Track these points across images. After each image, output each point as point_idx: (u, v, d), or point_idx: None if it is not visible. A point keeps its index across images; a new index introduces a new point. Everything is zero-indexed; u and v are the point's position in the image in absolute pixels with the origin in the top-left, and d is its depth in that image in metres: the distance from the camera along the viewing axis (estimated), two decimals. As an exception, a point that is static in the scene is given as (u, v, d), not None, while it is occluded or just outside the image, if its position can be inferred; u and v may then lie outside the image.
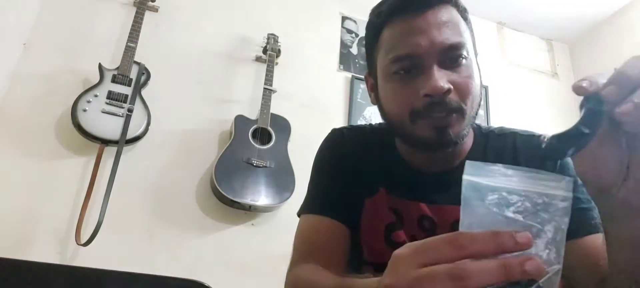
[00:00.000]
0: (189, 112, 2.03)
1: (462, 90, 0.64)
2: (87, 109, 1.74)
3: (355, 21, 2.58)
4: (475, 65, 0.68)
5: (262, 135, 1.97)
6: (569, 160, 0.73)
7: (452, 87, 0.63)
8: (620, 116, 0.34)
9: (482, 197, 0.34)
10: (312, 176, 0.82)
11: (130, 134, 1.77)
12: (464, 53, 0.65)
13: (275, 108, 2.05)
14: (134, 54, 1.91)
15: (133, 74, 1.88)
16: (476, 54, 0.71)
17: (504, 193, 0.34)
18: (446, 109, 0.63)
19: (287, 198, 1.85)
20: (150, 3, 2.10)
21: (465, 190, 0.35)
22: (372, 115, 2.30)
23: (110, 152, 1.77)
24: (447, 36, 0.64)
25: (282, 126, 2.04)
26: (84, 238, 1.61)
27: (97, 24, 2.04)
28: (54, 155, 1.76)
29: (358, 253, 0.74)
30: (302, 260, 0.70)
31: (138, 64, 1.92)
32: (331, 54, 2.44)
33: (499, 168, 0.35)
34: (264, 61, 2.18)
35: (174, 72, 2.08)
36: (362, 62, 2.48)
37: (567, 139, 0.35)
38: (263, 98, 2.04)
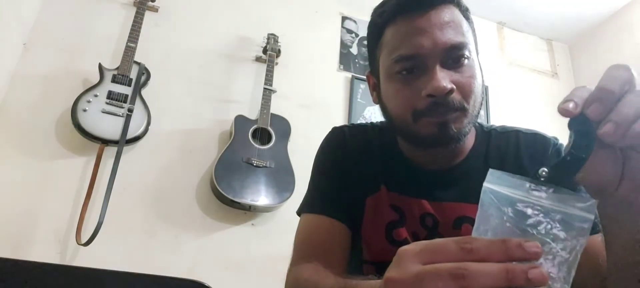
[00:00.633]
0: (189, 112, 2.03)
1: (465, 90, 0.65)
2: (87, 109, 1.74)
3: (355, 21, 2.58)
4: (477, 65, 0.68)
5: (262, 135, 1.97)
6: None
7: (454, 87, 0.63)
8: (602, 137, 0.34)
9: (500, 207, 0.34)
10: (312, 175, 0.81)
11: (130, 134, 1.77)
12: (466, 53, 0.65)
13: (275, 108, 2.05)
14: (134, 54, 1.91)
15: (133, 74, 1.88)
16: (478, 53, 0.71)
17: (522, 206, 0.33)
18: (449, 109, 0.63)
19: (287, 198, 1.85)
20: (150, 3, 2.10)
21: (484, 196, 0.35)
22: (372, 115, 2.30)
23: (110, 152, 1.77)
24: (449, 36, 0.64)
25: (282, 126, 2.04)
26: (84, 238, 1.61)
27: (97, 24, 2.04)
28: (54, 155, 1.76)
29: (358, 253, 0.74)
30: (302, 260, 0.69)
31: (138, 64, 1.92)
32: (331, 54, 2.44)
33: (522, 181, 0.35)
34: (264, 61, 2.18)
35: (174, 72, 2.08)
36: (362, 62, 2.48)
37: (565, 168, 0.35)
38: (263, 98, 2.04)
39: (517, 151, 0.73)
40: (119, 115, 1.78)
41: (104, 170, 1.74)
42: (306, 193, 0.81)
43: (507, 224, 0.33)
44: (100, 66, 1.86)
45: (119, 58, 1.89)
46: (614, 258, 0.47)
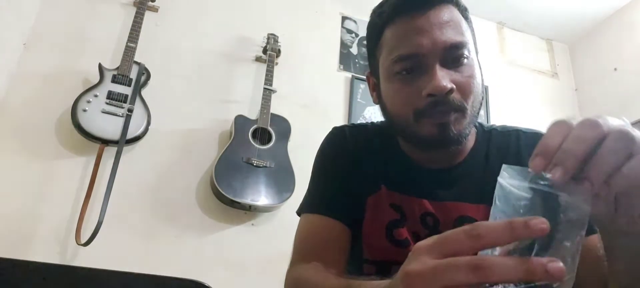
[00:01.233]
0: (189, 112, 2.03)
1: (464, 90, 0.65)
2: (87, 109, 1.74)
3: (355, 21, 2.58)
4: (476, 65, 0.69)
5: (262, 135, 1.97)
6: None
7: (454, 86, 0.63)
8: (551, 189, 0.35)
9: (510, 200, 0.35)
10: (312, 174, 0.81)
11: (130, 134, 1.77)
12: (466, 52, 0.66)
13: (275, 108, 2.05)
14: (134, 54, 1.91)
15: (133, 74, 1.88)
16: (477, 53, 0.71)
17: (529, 197, 0.35)
18: (449, 108, 0.63)
19: (287, 198, 1.85)
20: (150, 3, 2.10)
21: (497, 191, 0.36)
22: (372, 115, 2.30)
23: (110, 152, 1.77)
24: (449, 36, 0.64)
25: (282, 126, 2.04)
26: (84, 238, 1.61)
27: (97, 24, 2.04)
28: (54, 155, 1.76)
29: (358, 252, 0.74)
30: (302, 260, 0.69)
31: (138, 64, 1.92)
32: (331, 54, 2.44)
33: (532, 174, 0.36)
34: (264, 61, 2.18)
35: (174, 72, 2.08)
36: (362, 62, 2.48)
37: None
38: (263, 98, 2.04)
39: (518, 151, 0.73)
40: (119, 115, 1.78)
41: (104, 170, 1.74)
42: (306, 193, 0.81)
43: (518, 215, 0.34)
44: (100, 66, 1.86)
45: (119, 58, 1.89)
46: (617, 278, 0.49)
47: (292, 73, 2.27)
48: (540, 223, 0.30)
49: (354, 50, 2.50)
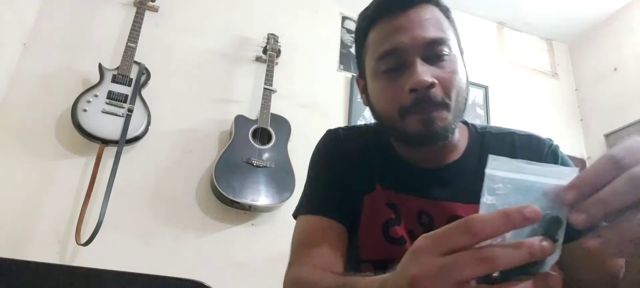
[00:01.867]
0: (189, 112, 2.03)
1: (446, 84, 0.66)
2: (87, 109, 1.74)
3: (355, 21, 2.58)
4: (460, 61, 0.70)
5: (262, 135, 1.97)
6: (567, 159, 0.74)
7: (436, 81, 0.65)
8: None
9: (495, 187, 0.36)
10: (308, 177, 0.82)
11: (130, 134, 1.77)
12: (446, 49, 0.67)
13: (275, 108, 2.05)
14: (134, 54, 1.91)
15: (133, 74, 1.88)
16: (462, 52, 0.73)
17: (511, 181, 0.36)
18: (431, 104, 0.65)
19: (287, 198, 1.85)
20: (150, 3, 2.10)
21: (485, 182, 0.37)
22: (371, 116, 2.30)
23: (110, 152, 1.77)
24: (429, 32, 0.67)
25: (282, 126, 2.04)
26: (84, 238, 1.61)
27: (97, 24, 2.04)
28: (54, 155, 1.76)
29: (355, 253, 0.74)
30: (300, 261, 0.69)
31: (138, 64, 1.92)
32: (331, 54, 2.44)
33: (519, 162, 0.37)
34: (264, 61, 2.18)
35: (174, 72, 2.08)
36: (362, 62, 2.48)
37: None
38: (263, 98, 2.04)
39: (512, 153, 0.74)
40: (119, 115, 1.78)
41: (104, 170, 1.74)
42: (302, 196, 0.81)
43: (503, 202, 0.35)
44: (100, 66, 1.86)
45: (119, 58, 1.89)
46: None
47: (292, 73, 2.27)
48: (532, 210, 0.31)
49: (354, 50, 2.50)
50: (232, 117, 1.98)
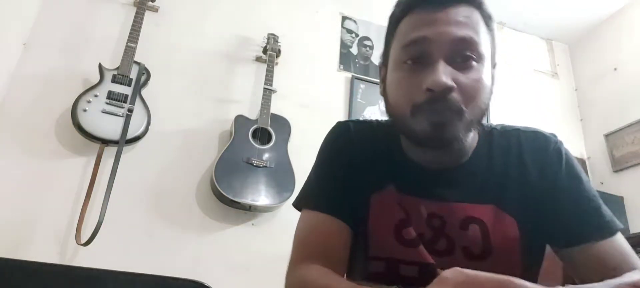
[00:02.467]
0: (189, 112, 2.03)
1: (466, 92, 0.62)
2: (87, 109, 1.74)
3: (355, 21, 2.58)
4: (488, 72, 0.66)
5: (262, 135, 1.97)
6: (579, 169, 0.72)
7: (455, 85, 0.61)
8: None
9: None
10: (315, 167, 0.79)
11: (130, 134, 1.77)
12: (476, 54, 0.64)
13: (275, 108, 2.05)
14: (134, 54, 1.91)
15: (133, 74, 1.88)
16: (494, 65, 0.69)
17: None
18: (445, 108, 0.61)
19: (287, 198, 1.85)
20: (150, 3, 2.10)
21: None
22: (371, 116, 2.30)
23: (110, 152, 1.77)
24: (459, 29, 0.63)
25: (282, 126, 2.04)
26: (84, 238, 1.61)
27: (97, 24, 2.04)
28: (54, 155, 1.76)
29: (361, 250, 0.73)
30: (304, 259, 0.68)
31: (138, 64, 1.92)
32: (331, 54, 2.44)
33: None
34: (264, 61, 2.18)
35: (174, 72, 2.08)
36: (362, 62, 2.48)
37: None
38: (263, 98, 2.04)
39: (520, 150, 0.72)
40: (119, 115, 1.78)
41: (104, 170, 1.74)
42: (307, 185, 0.79)
43: None
44: (100, 66, 1.86)
45: (119, 58, 1.89)
46: None
47: (292, 73, 2.27)
48: None
49: (354, 50, 2.50)
50: (232, 117, 1.98)
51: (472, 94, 0.63)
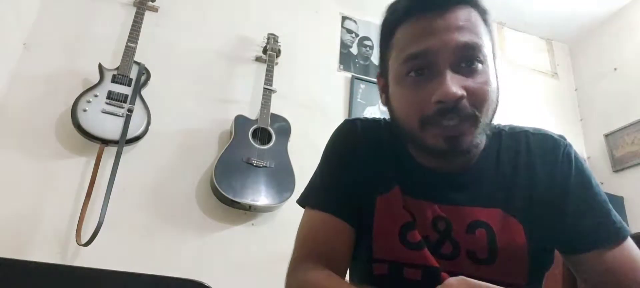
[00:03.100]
0: (189, 112, 2.03)
1: (477, 97, 0.61)
2: (87, 109, 1.74)
3: (355, 21, 2.58)
4: (492, 71, 0.65)
5: (262, 135, 1.97)
6: (589, 173, 0.71)
7: (465, 93, 0.60)
8: None
9: None
10: (321, 165, 0.78)
11: (130, 134, 1.77)
12: (480, 56, 0.62)
13: (275, 108, 2.05)
14: (134, 54, 1.91)
15: (133, 74, 1.88)
16: (495, 57, 0.68)
17: None
18: (458, 116, 0.60)
19: (287, 198, 1.85)
20: (150, 3, 2.10)
21: None
22: (371, 116, 2.30)
23: (110, 152, 1.77)
24: (462, 36, 0.61)
25: (282, 126, 2.04)
26: (84, 238, 1.61)
27: (97, 24, 2.04)
28: (54, 155, 1.76)
29: (366, 252, 0.71)
30: (306, 259, 0.68)
31: (138, 64, 1.92)
32: (331, 54, 2.44)
33: None
34: (264, 61, 2.18)
35: (174, 72, 2.08)
36: (362, 62, 2.48)
37: None
38: (263, 98, 2.04)
39: (529, 153, 0.70)
40: (119, 115, 1.78)
41: (104, 170, 1.74)
42: (312, 183, 0.78)
43: None
44: (100, 66, 1.86)
45: (119, 58, 1.89)
46: None
47: (292, 73, 2.27)
48: None
49: (354, 50, 2.50)
50: (232, 117, 1.98)
51: (483, 97, 0.62)
